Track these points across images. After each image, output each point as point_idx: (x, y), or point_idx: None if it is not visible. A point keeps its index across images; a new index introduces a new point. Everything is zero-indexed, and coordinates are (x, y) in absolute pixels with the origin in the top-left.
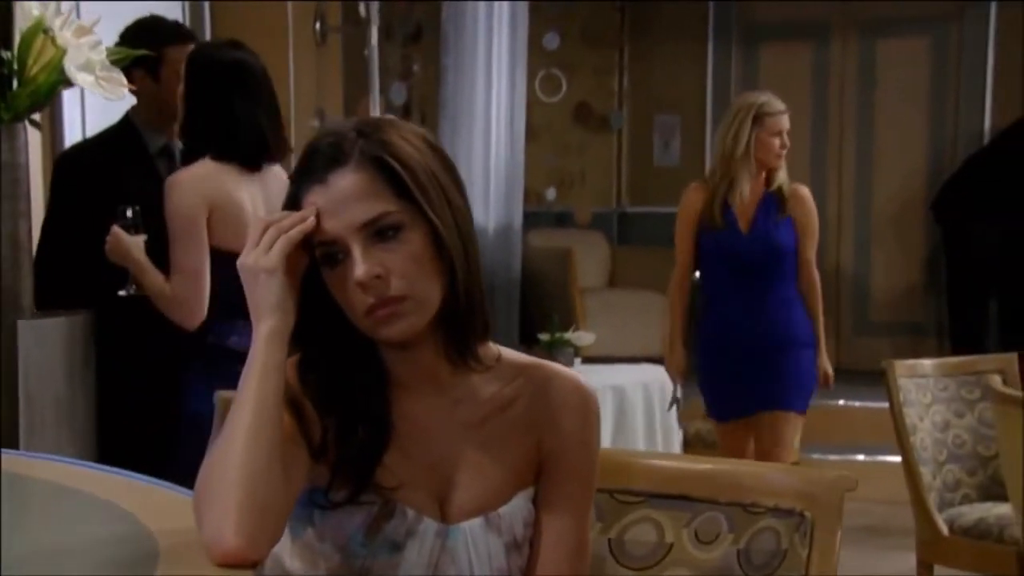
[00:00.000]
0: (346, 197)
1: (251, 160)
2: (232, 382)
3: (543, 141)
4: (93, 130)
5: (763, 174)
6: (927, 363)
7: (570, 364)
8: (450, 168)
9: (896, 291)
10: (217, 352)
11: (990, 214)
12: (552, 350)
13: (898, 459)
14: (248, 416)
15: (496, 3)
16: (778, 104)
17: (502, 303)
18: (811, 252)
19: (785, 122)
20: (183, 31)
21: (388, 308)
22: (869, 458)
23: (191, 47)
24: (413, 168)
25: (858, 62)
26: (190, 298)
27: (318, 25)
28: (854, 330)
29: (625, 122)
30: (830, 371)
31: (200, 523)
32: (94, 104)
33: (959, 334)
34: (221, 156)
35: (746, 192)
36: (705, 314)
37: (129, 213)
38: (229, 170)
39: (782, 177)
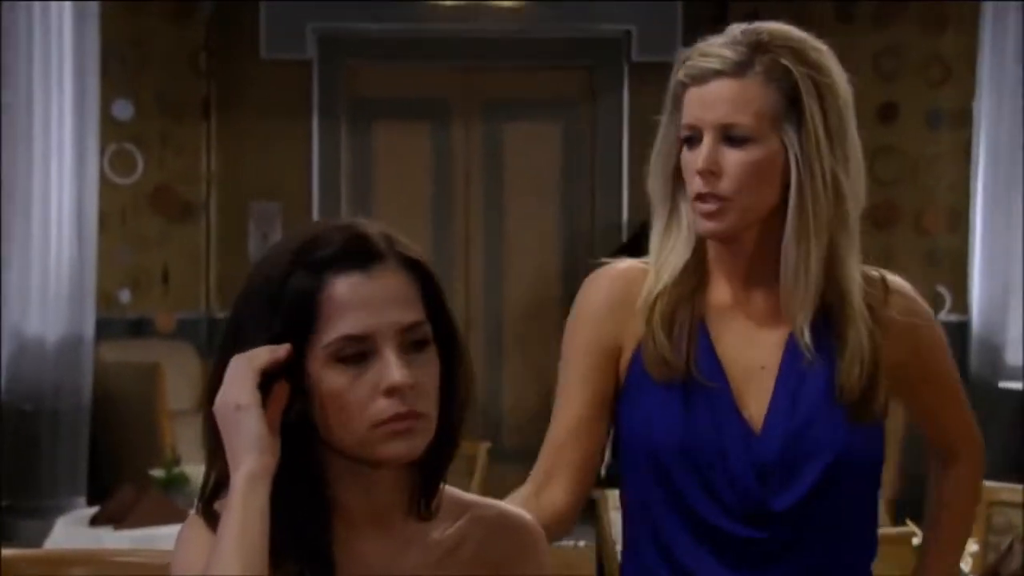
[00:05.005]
0: (390, 295)
1: None
2: None
3: (114, 232)
4: None
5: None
6: None
7: (191, 506)
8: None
9: (534, 410)
10: None
11: None
12: (169, 490)
13: None
14: (235, 567)
15: (54, 55)
16: (711, 58)
17: (66, 433)
18: (954, 408)
19: (718, 104)
20: None
21: (408, 422)
22: None
23: None
24: (436, 281)
25: (482, 146)
26: None
27: None
28: (487, 457)
29: (215, 210)
30: None
31: None
32: None
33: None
34: None
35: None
36: None
37: None
38: None
39: (850, 270)
